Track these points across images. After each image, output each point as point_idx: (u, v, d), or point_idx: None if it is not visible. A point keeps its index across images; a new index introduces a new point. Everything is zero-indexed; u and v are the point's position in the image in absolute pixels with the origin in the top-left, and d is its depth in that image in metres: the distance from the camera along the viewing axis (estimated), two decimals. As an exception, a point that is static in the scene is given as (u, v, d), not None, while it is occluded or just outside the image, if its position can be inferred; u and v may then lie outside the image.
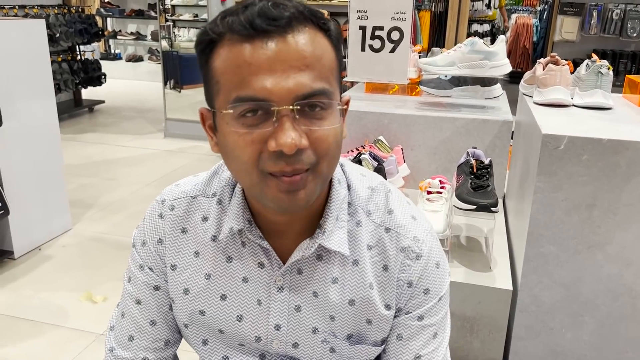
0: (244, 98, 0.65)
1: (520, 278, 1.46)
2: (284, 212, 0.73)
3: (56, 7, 5.36)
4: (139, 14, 8.49)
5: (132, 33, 8.92)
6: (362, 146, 1.93)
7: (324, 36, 0.69)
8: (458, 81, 2.20)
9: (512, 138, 1.96)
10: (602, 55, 4.99)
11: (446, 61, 2.05)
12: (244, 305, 0.82)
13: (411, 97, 2.29)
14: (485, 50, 1.98)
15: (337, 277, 0.80)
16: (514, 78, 3.51)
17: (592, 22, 5.03)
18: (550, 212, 1.38)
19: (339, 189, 0.80)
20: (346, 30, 2.18)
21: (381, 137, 1.95)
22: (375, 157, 1.74)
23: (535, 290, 1.45)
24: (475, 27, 6.20)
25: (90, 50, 6.52)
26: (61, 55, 5.46)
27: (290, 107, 0.65)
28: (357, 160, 1.70)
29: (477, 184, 1.52)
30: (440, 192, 1.59)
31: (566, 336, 1.47)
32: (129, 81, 8.16)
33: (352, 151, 1.89)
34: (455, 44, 2.78)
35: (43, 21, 2.88)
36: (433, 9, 4.92)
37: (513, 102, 2.11)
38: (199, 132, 4.99)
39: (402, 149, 1.93)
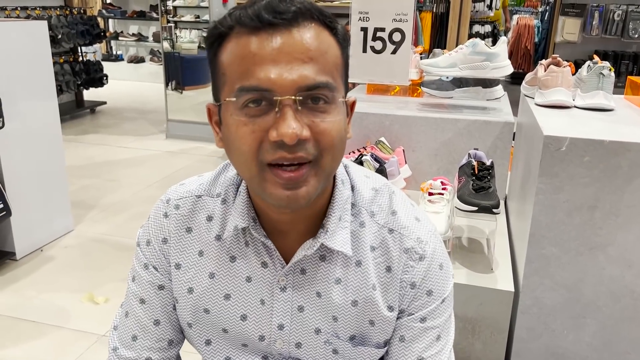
0: (248, 88, 0.66)
1: (522, 279, 1.46)
2: (285, 209, 0.73)
3: (58, 9, 5.36)
4: (140, 16, 8.50)
5: (133, 34, 8.93)
6: (363, 147, 1.93)
7: (330, 34, 0.70)
8: (459, 82, 2.21)
9: (513, 139, 1.96)
10: (604, 56, 4.98)
11: (448, 62, 2.05)
12: (248, 305, 0.83)
13: (413, 98, 2.29)
14: (487, 52, 1.98)
15: (340, 278, 0.80)
16: (515, 79, 3.50)
17: (594, 23, 5.02)
18: (552, 214, 1.38)
19: (342, 189, 0.80)
20: (348, 31, 2.18)
21: (383, 139, 1.95)
22: (376, 159, 1.74)
23: (537, 292, 1.45)
24: (477, 28, 6.19)
25: (92, 52, 6.55)
26: (63, 57, 5.47)
27: (293, 97, 0.65)
28: (359, 162, 1.70)
29: (478, 186, 1.52)
30: (442, 194, 1.59)
31: (568, 338, 1.47)
32: (131, 82, 8.16)
33: (354, 152, 1.89)
34: (456, 45, 2.79)
35: (45, 23, 2.89)
36: (434, 10, 4.92)
37: (514, 104, 2.11)
38: (200, 133, 5.00)
39: (403, 150, 1.93)
